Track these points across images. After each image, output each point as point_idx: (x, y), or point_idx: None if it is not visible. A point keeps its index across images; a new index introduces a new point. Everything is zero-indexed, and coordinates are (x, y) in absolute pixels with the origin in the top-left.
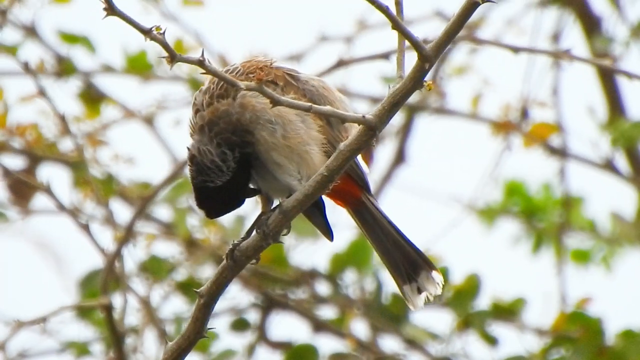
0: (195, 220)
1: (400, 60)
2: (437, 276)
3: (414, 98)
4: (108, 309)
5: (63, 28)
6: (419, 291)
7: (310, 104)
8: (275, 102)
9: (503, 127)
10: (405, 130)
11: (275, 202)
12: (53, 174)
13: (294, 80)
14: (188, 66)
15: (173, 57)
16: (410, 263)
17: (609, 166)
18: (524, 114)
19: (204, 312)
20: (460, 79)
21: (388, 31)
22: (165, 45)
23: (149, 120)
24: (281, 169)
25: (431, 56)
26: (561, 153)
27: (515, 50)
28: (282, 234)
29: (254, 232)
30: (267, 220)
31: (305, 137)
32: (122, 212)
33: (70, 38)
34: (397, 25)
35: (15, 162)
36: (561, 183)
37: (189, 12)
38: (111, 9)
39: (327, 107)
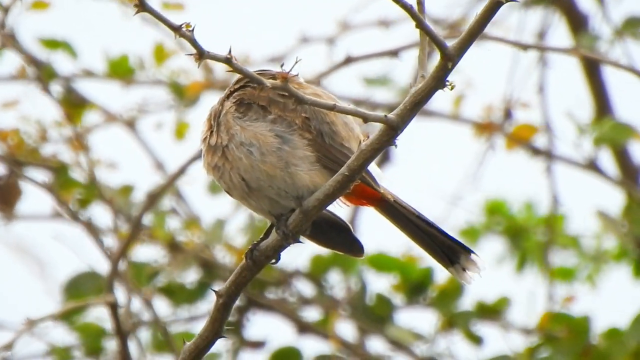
0: (176, 223)
1: (423, 60)
2: (476, 258)
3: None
4: (113, 306)
5: (43, 34)
6: (464, 270)
7: (333, 102)
8: (299, 101)
9: (486, 129)
10: None
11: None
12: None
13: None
14: (168, 71)
15: (201, 54)
16: (447, 249)
17: (592, 167)
18: (508, 114)
19: (223, 312)
20: None
21: (370, 32)
22: (193, 43)
23: (130, 124)
24: (266, 190)
25: (454, 55)
26: (545, 154)
27: (525, 47)
28: (303, 234)
29: (274, 232)
30: (287, 220)
31: (289, 159)
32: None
33: (51, 43)
34: (420, 24)
35: None
36: (547, 183)
37: (171, 16)
38: (142, 6)
39: (351, 107)
